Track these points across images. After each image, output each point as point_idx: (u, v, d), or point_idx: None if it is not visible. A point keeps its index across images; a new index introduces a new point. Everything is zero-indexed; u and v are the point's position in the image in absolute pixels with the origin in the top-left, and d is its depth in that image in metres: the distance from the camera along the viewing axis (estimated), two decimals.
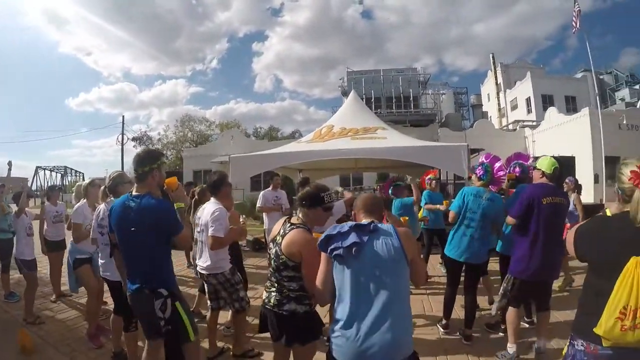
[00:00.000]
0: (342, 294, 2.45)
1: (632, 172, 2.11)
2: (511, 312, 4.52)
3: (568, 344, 2.33)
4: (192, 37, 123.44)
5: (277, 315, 3.05)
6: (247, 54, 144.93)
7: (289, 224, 3.11)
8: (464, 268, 5.14)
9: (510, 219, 4.51)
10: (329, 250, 2.48)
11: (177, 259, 9.42)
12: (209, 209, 4.45)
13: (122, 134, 40.53)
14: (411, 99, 39.57)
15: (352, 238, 2.41)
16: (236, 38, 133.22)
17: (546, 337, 4.54)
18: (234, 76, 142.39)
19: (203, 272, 4.54)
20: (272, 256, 3.11)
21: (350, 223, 2.55)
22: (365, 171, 22.36)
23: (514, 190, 5.43)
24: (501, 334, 5.16)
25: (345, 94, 38.53)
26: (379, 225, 2.54)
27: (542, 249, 4.27)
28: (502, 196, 5.72)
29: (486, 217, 5.00)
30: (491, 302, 5.90)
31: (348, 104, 13.57)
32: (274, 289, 3.11)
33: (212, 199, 4.63)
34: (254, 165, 10.15)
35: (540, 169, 4.46)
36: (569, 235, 2.37)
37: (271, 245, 3.19)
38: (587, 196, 18.79)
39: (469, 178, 6.49)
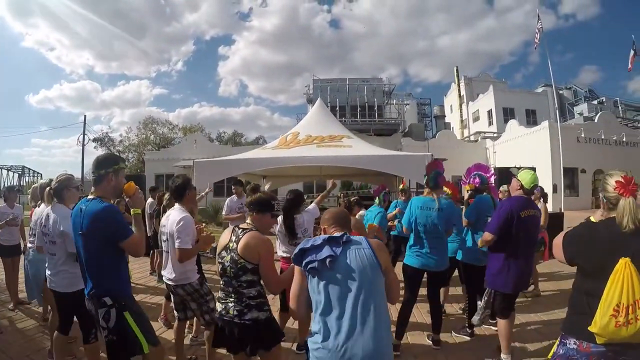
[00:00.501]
0: (318, 307, 2.40)
1: (617, 182, 2.32)
2: (502, 323, 4.52)
3: (558, 343, 2.45)
4: (159, 37, 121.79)
5: (239, 325, 2.99)
6: (213, 58, 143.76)
7: (240, 230, 3.10)
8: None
9: (488, 235, 4.42)
10: (303, 264, 2.44)
11: (140, 264, 9.27)
12: (173, 218, 4.17)
13: (84, 134, 39.38)
14: (375, 108, 39.77)
15: (326, 251, 2.39)
16: (203, 41, 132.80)
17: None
18: (199, 79, 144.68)
19: (170, 282, 4.27)
20: (228, 264, 3.04)
21: (323, 236, 2.53)
22: (329, 179, 22.37)
23: (474, 199, 5.56)
24: (466, 337, 5.27)
25: (310, 101, 38.60)
26: (351, 237, 2.53)
27: (520, 261, 4.34)
28: (462, 206, 5.88)
29: (436, 227, 4.91)
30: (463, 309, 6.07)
31: (314, 112, 13.63)
32: (231, 299, 3.07)
33: (177, 205, 4.37)
34: (218, 170, 10.05)
35: (520, 181, 4.48)
36: (557, 241, 2.51)
37: (223, 253, 3.11)
38: (547, 205, 19.36)
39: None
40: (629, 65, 28.13)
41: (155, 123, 52.37)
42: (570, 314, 2.41)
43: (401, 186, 8.94)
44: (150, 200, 8.77)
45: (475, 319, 5.01)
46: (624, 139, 30.59)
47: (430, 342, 5.04)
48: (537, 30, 25.50)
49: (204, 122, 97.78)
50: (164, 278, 4.42)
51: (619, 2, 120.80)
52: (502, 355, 4.46)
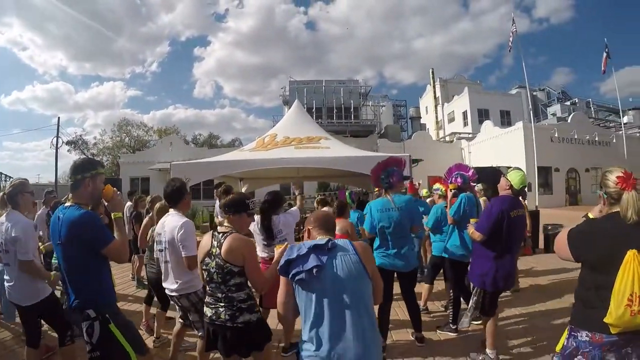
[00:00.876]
0: (308, 316, 2.35)
1: (618, 177, 2.40)
2: (490, 323, 4.59)
3: (567, 335, 2.51)
4: (134, 38, 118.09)
5: (231, 329, 2.99)
6: (188, 59, 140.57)
7: (220, 234, 3.08)
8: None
9: (478, 235, 4.43)
10: (290, 276, 2.38)
11: (120, 270, 9.08)
12: (172, 224, 3.94)
13: (57, 136, 38.26)
14: (352, 110, 39.83)
15: (313, 261, 2.32)
16: (178, 42, 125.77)
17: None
18: (173, 81, 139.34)
19: (173, 294, 4.01)
20: (214, 270, 3.01)
21: (308, 243, 2.44)
22: (306, 180, 22.38)
23: (456, 198, 5.60)
24: (451, 334, 5.32)
25: (287, 103, 38.54)
26: (336, 242, 2.47)
27: (508, 260, 4.41)
28: (445, 206, 5.96)
29: (400, 226, 4.88)
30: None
31: (291, 113, 13.63)
32: (221, 303, 3.04)
33: (172, 211, 4.14)
34: (196, 173, 9.92)
35: (509, 181, 4.50)
36: (561, 239, 2.54)
37: (207, 260, 3.07)
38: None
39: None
40: (602, 68, 29.22)
41: (130, 125, 51.80)
42: (580, 307, 2.47)
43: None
44: (128, 204, 8.67)
45: (464, 320, 5.02)
46: (597, 139, 31.49)
47: (416, 343, 5.07)
48: (511, 34, 25.97)
49: (179, 124, 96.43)
50: (166, 291, 4.13)
51: (591, 7, 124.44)
52: (487, 350, 4.52)
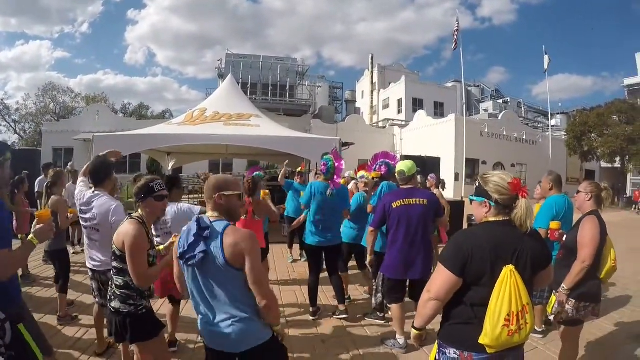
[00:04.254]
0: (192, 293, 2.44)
1: (511, 184, 2.20)
2: (393, 307, 4.73)
3: (437, 350, 2.34)
4: None
5: (109, 310, 3.07)
6: (121, 21, 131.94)
7: (128, 217, 3.06)
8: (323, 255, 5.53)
9: (370, 229, 4.84)
10: (184, 260, 2.35)
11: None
12: (104, 207, 3.85)
13: None
14: (287, 88, 39.61)
15: (201, 247, 2.29)
16: (112, 2, 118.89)
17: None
18: (104, 44, 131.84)
19: (99, 268, 3.97)
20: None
21: (193, 225, 2.35)
22: (235, 157, 22.14)
23: (378, 187, 5.70)
24: (378, 321, 5.35)
25: (222, 76, 37.69)
26: (214, 225, 2.36)
27: (403, 248, 4.53)
28: (365, 190, 6.19)
29: (333, 210, 5.46)
30: (368, 293, 6.30)
31: (224, 88, 13.25)
32: (110, 283, 3.09)
33: (98, 190, 3.98)
34: (120, 146, 9.37)
35: (399, 171, 4.80)
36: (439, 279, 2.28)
37: None
38: (449, 193, 20.44)
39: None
40: (545, 67, 32.56)
41: (56, 90, 48.92)
42: (451, 323, 2.27)
43: (299, 169, 9.10)
44: (41, 177, 8.18)
45: (373, 302, 5.37)
46: (524, 137, 33.50)
47: (340, 316, 5.35)
48: (455, 31, 26.82)
49: (108, 91, 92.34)
50: (88, 264, 4.05)
51: (533, 13, 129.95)
52: (397, 336, 4.62)
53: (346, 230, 6.03)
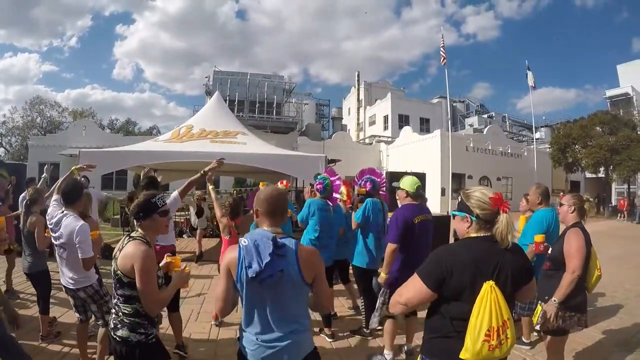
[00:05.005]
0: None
1: (493, 199, 2.22)
2: (390, 322, 4.67)
3: None
4: (54, 7, 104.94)
5: (112, 339, 2.79)
6: (109, 36, 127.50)
7: (128, 238, 2.83)
8: None
9: (391, 245, 4.49)
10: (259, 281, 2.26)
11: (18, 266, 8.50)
12: (69, 228, 3.90)
13: None
14: (274, 105, 39.78)
15: (278, 266, 2.27)
16: (101, 16, 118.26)
17: (412, 340, 4.80)
18: (92, 59, 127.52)
19: (70, 286, 4.07)
20: (112, 274, 2.77)
21: (267, 239, 2.31)
22: (222, 175, 22.13)
23: (363, 203, 5.63)
24: (366, 337, 5.37)
25: (209, 93, 37.80)
26: (286, 242, 2.36)
27: (414, 265, 4.41)
28: (350, 209, 6.22)
29: (332, 227, 5.56)
30: (352, 308, 6.36)
31: (210, 105, 13.38)
32: (113, 310, 2.83)
33: (67, 210, 4.06)
34: (107, 162, 9.47)
35: (404, 189, 4.60)
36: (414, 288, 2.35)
37: (113, 262, 2.81)
38: (435, 207, 20.62)
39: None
40: (532, 84, 32.46)
41: (43, 104, 48.96)
42: (433, 337, 2.31)
43: (282, 187, 8.75)
44: (24, 194, 8.14)
45: (373, 321, 5.09)
46: (509, 151, 33.99)
47: (327, 339, 5.29)
48: (442, 48, 27.36)
49: (95, 106, 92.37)
50: (63, 282, 4.15)
51: (516, 30, 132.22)
52: (385, 351, 4.63)
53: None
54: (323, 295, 2.48)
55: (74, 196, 4.14)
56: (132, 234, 2.87)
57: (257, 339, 2.32)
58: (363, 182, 5.80)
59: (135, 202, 2.94)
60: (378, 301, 4.88)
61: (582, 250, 3.57)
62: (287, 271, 2.28)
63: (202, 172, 5.00)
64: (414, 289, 2.29)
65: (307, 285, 2.38)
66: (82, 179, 5.40)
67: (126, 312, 2.74)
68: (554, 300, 3.58)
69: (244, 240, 2.33)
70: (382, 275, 4.60)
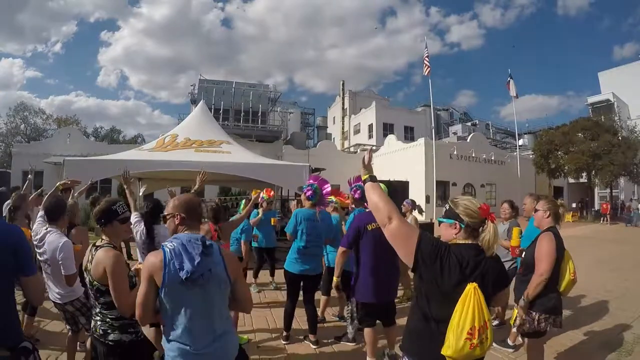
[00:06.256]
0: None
1: (481, 209, 2.31)
2: (366, 331, 4.65)
3: None
4: (39, 12, 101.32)
5: (105, 345, 2.81)
6: (94, 43, 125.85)
7: (94, 248, 2.86)
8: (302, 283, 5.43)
9: (340, 248, 4.67)
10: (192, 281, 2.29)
11: None
12: (53, 245, 3.93)
13: None
14: (260, 114, 39.71)
15: (208, 265, 2.34)
16: (86, 22, 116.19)
17: (394, 346, 4.72)
18: (77, 65, 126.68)
19: (58, 301, 4.12)
20: (89, 285, 2.84)
21: (195, 240, 2.39)
22: (207, 183, 22.06)
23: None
24: (349, 344, 5.36)
25: (194, 102, 37.71)
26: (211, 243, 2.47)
27: (378, 272, 4.50)
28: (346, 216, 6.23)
29: (320, 236, 5.46)
30: (338, 316, 6.37)
31: (195, 114, 13.43)
32: (98, 318, 2.86)
33: (50, 227, 4.09)
34: (91, 170, 9.40)
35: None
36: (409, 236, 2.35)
37: (85, 274, 2.88)
38: (419, 215, 20.82)
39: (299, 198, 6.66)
40: (514, 93, 34.13)
41: (27, 111, 48.51)
42: (414, 337, 2.40)
43: (266, 196, 8.23)
44: (8, 202, 8.06)
45: (348, 331, 5.30)
46: (493, 158, 34.27)
47: (311, 345, 5.27)
48: (425, 57, 27.66)
49: (80, 113, 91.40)
50: (51, 297, 4.15)
51: (499, 39, 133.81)
52: (368, 358, 4.62)
53: (331, 255, 6.08)
54: (245, 294, 2.62)
55: (57, 213, 4.18)
56: (97, 243, 2.91)
57: (189, 347, 2.31)
58: (353, 190, 5.79)
59: (98, 208, 3.00)
60: (345, 310, 4.96)
61: (551, 254, 3.70)
62: (215, 270, 2.36)
63: (193, 190, 5.23)
64: (408, 227, 2.35)
65: (231, 284, 2.46)
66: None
67: (113, 316, 2.81)
68: (523, 299, 3.76)
69: (169, 244, 2.36)
70: (335, 279, 4.76)
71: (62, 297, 4.08)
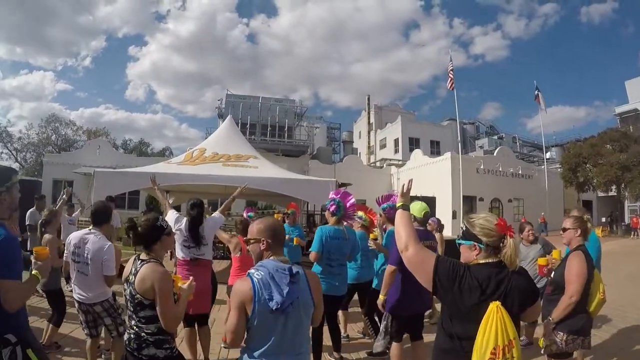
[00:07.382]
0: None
1: (498, 225, 2.27)
2: (394, 346, 4.66)
3: None
4: (69, 27, 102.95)
5: (138, 359, 2.84)
6: (122, 58, 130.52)
7: (139, 261, 2.88)
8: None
9: (390, 267, 4.57)
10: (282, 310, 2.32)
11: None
12: (96, 246, 4.10)
13: None
14: (286, 129, 39.90)
15: (295, 293, 2.37)
16: (114, 38, 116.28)
17: None
18: (106, 79, 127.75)
19: (87, 301, 4.19)
20: (128, 297, 2.86)
21: (283, 270, 2.41)
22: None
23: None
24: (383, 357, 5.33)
25: (221, 116, 37.97)
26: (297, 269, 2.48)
27: (414, 288, 4.28)
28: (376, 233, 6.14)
29: (343, 255, 5.32)
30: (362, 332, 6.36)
31: (223, 129, 13.59)
32: (132, 331, 2.88)
33: (94, 229, 4.25)
34: (120, 182, 9.73)
35: (412, 215, 4.58)
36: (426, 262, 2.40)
37: (125, 285, 2.90)
38: (446, 231, 20.55)
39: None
40: (543, 106, 34.16)
41: (58, 122, 49.66)
42: (441, 355, 2.39)
43: (288, 210, 8.35)
44: (32, 209, 8.17)
45: (377, 345, 5.24)
46: (520, 172, 33.56)
47: None
48: (450, 71, 27.57)
49: (109, 126, 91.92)
50: (78, 297, 4.23)
51: (524, 49, 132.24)
52: None
53: (350, 271, 5.90)
54: (318, 316, 2.68)
55: (102, 218, 4.33)
56: (141, 256, 2.94)
57: None
58: (386, 210, 5.72)
59: (142, 230, 2.99)
60: (381, 325, 4.94)
61: (582, 276, 3.59)
62: (302, 297, 2.39)
63: (232, 196, 5.73)
64: (424, 253, 2.42)
65: (314, 307, 2.52)
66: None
67: (149, 331, 2.83)
68: (549, 319, 3.67)
69: (256, 274, 2.38)
70: (381, 297, 4.66)
71: (94, 297, 4.17)
